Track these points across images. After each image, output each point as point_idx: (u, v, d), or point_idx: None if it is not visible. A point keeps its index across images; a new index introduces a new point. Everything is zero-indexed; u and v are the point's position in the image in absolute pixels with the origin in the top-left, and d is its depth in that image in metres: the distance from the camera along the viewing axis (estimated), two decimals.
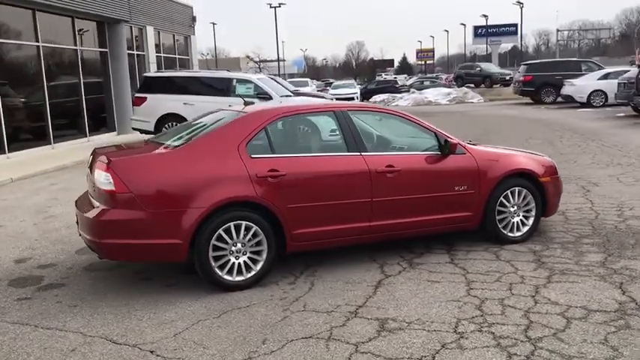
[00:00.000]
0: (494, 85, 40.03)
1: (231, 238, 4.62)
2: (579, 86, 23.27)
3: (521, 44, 71.13)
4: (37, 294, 4.76)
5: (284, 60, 77.19)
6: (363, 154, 5.11)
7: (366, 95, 39.01)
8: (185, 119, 13.89)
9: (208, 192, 4.54)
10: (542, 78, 26.30)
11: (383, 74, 79.00)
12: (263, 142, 4.90)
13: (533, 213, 5.76)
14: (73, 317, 4.25)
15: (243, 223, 4.64)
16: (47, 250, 6.02)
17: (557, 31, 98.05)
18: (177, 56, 23.90)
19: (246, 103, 5.45)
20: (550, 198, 5.89)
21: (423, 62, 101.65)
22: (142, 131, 14.57)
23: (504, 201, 5.63)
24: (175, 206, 4.49)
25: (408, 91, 39.51)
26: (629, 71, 20.38)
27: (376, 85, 43.15)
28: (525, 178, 5.71)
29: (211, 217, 4.53)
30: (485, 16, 65.78)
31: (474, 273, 4.88)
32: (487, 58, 66.36)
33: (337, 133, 5.22)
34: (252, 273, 4.72)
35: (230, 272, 4.66)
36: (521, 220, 5.73)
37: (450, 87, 39.62)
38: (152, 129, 14.17)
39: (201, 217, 4.49)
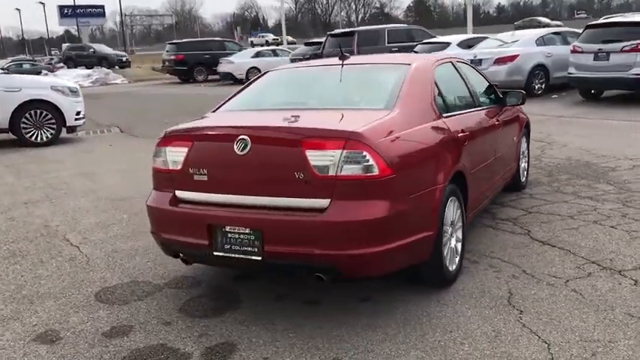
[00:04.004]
0: (112, 68, 38.33)
1: (447, 218, 3.67)
2: (238, 64, 24.46)
3: (123, 26, 69.48)
4: None
5: None
6: (483, 108, 4.65)
7: None
8: None
9: (439, 164, 3.49)
10: (194, 57, 26.62)
11: None
12: (438, 99, 3.96)
13: (526, 159, 6.17)
14: None
15: (454, 198, 3.73)
16: (63, 312, 3.54)
17: (125, 15, 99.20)
18: None
19: (342, 57, 4.26)
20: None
21: None
22: None
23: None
24: (427, 186, 3.31)
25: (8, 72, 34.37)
26: (298, 47, 22.56)
27: None
28: (526, 125, 6.06)
29: (444, 195, 3.50)
30: None
31: (579, 214, 4.99)
32: (73, 39, 62.59)
33: (460, 85, 4.57)
34: (458, 258, 3.83)
35: (450, 262, 3.70)
36: (523, 166, 6.06)
37: (54, 70, 36.09)
38: None
39: (442, 195, 3.43)
